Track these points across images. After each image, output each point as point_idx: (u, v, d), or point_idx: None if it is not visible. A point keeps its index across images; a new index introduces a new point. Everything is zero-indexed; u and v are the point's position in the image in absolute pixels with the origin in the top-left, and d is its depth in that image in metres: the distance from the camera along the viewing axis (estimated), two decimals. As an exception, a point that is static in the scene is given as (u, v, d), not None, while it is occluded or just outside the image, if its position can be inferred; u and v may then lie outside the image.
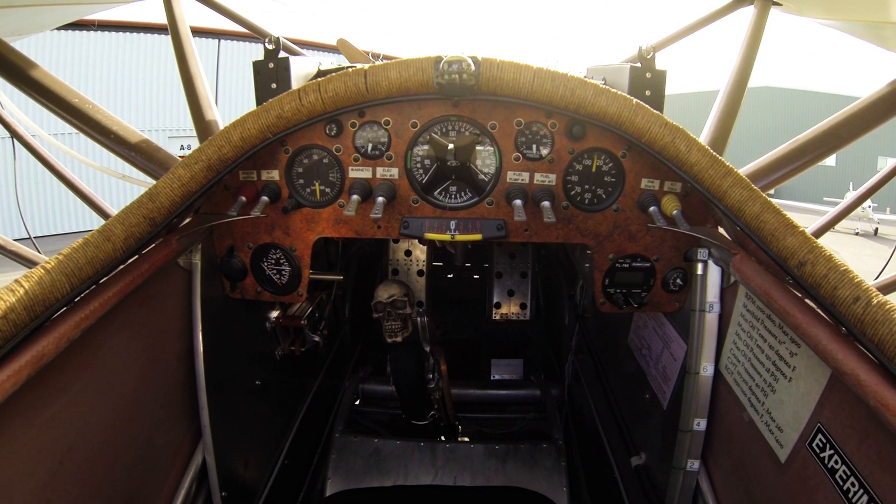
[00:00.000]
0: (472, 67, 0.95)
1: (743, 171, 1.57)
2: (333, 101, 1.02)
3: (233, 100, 11.62)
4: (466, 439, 2.05)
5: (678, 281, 1.23)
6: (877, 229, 17.00)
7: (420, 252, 2.27)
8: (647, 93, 1.20)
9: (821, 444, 0.82)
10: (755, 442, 1.00)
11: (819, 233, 2.34)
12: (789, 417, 0.92)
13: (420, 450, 1.86)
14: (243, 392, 1.41)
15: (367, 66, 1.03)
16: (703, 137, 1.66)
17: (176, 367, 1.16)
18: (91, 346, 0.89)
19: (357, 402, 2.25)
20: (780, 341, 0.94)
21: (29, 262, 1.89)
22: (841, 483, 0.77)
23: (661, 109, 1.20)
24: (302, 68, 1.34)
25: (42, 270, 0.77)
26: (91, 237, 0.86)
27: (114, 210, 1.87)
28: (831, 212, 2.48)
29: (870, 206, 16.22)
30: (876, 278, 2.22)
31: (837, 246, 13.72)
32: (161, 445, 1.14)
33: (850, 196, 2.48)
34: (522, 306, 2.34)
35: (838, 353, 0.74)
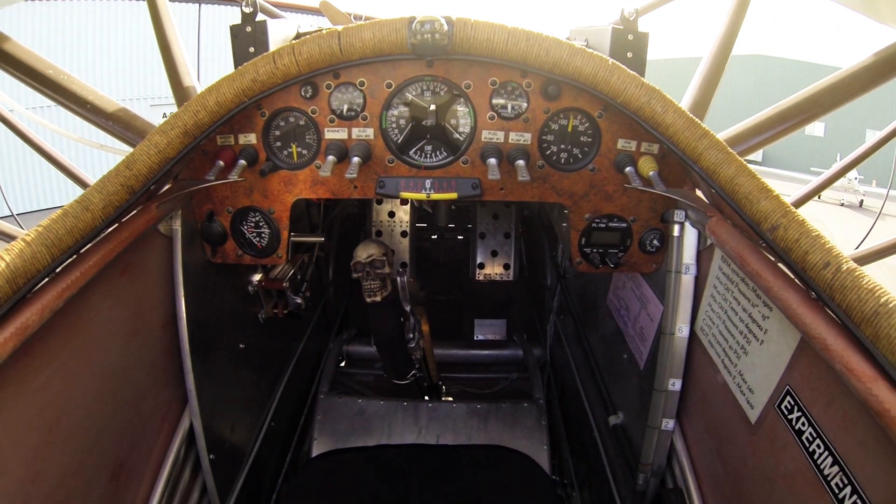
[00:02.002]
0: (445, 27, 0.95)
1: (723, 134, 1.57)
2: (308, 63, 1.01)
3: (215, 65, 11.30)
4: (450, 399, 2.10)
5: (655, 242, 1.25)
6: (862, 201, 17.23)
7: (403, 213, 2.27)
8: (629, 55, 1.19)
9: (789, 406, 0.85)
10: (727, 402, 1.04)
11: (803, 200, 2.35)
12: (760, 379, 0.95)
13: (403, 409, 1.90)
14: (228, 356, 1.42)
15: (340, 27, 1.01)
16: (685, 102, 1.66)
17: (160, 333, 1.17)
18: (75, 316, 0.89)
19: (342, 364, 2.29)
20: (752, 304, 0.97)
21: (10, 239, 1.85)
22: (807, 444, 0.80)
23: (642, 71, 1.20)
24: (280, 31, 1.31)
25: (22, 243, 0.76)
26: (69, 207, 0.85)
27: (93, 181, 1.84)
28: (815, 180, 2.48)
29: (856, 178, 16.37)
30: (857, 247, 2.32)
31: (822, 216, 13.88)
32: (148, 411, 1.15)
33: (835, 166, 2.47)
34: (506, 267, 2.36)
35: (807, 318, 0.76)
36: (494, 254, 2.33)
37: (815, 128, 25.76)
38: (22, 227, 1.99)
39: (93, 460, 0.98)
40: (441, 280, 2.54)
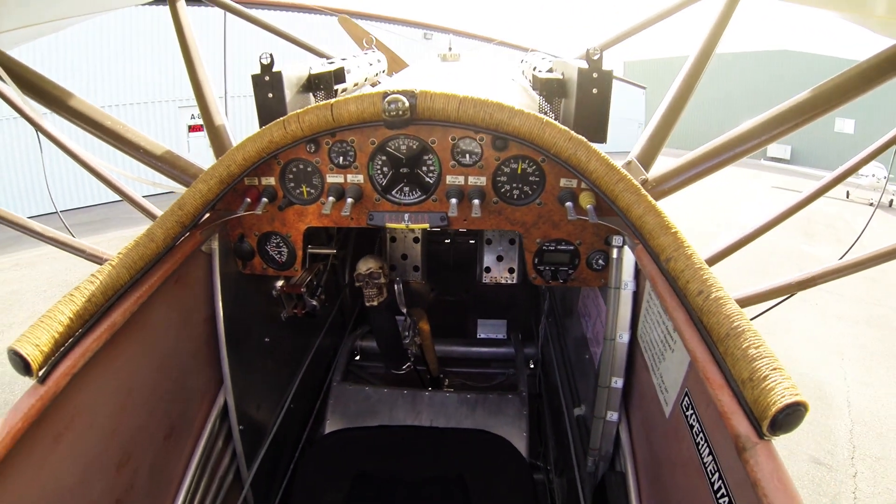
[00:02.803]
0: (407, 104, 1.19)
1: (736, 130, 1.61)
2: (310, 128, 1.29)
3: (241, 69, 11.71)
4: (448, 390, 2.33)
5: (600, 261, 1.46)
6: (892, 200, 16.79)
7: None
8: (594, 90, 1.36)
9: (686, 405, 1.03)
10: (654, 399, 1.23)
11: (813, 197, 2.24)
12: (671, 381, 1.13)
13: (404, 397, 2.17)
14: (255, 348, 1.72)
15: (332, 101, 1.27)
16: (663, 105, 1.76)
17: (202, 328, 1.47)
18: (143, 316, 1.20)
19: (357, 358, 2.55)
20: (667, 318, 1.18)
21: (53, 241, 2.12)
22: (696, 437, 0.97)
23: (607, 104, 1.38)
24: (294, 75, 1.58)
25: (109, 266, 1.08)
26: (140, 239, 1.16)
27: (138, 195, 2.15)
28: (823, 179, 2.33)
29: (885, 178, 15.95)
30: (841, 257, 2.16)
31: (850, 216, 13.63)
32: (192, 389, 1.46)
33: (846, 164, 2.33)
34: (510, 271, 2.46)
35: (687, 334, 0.95)
36: (500, 258, 2.45)
37: (845, 125, 25.05)
38: (65, 223, 2.27)
39: (153, 422, 1.28)
40: (450, 282, 2.71)
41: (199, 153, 11.44)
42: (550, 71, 1.67)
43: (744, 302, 1.68)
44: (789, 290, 1.68)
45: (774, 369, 0.73)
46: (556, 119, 1.59)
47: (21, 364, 0.88)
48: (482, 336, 2.75)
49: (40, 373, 0.91)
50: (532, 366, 2.68)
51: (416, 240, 2.50)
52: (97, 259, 1.95)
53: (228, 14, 2.63)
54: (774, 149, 25.70)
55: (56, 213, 2.34)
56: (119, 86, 10.97)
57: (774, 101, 1.59)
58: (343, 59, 1.99)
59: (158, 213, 2.00)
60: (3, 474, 0.83)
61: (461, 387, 2.42)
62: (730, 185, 15.54)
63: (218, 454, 1.56)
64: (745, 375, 0.75)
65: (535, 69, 1.85)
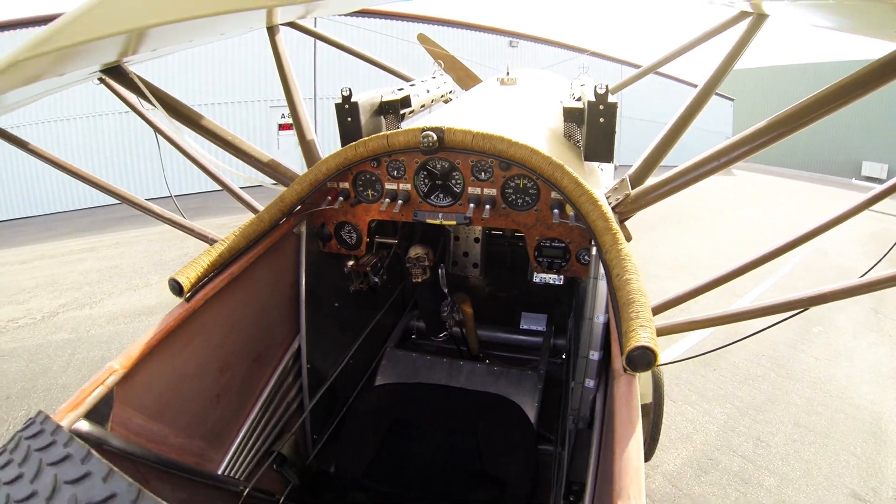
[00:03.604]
0: (436, 138, 1.61)
1: (741, 134, 1.66)
2: (373, 151, 1.75)
3: (328, 89, 12.65)
4: (480, 363, 2.65)
5: (586, 257, 1.77)
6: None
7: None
8: (601, 119, 1.68)
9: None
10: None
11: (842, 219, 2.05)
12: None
13: (442, 364, 2.57)
14: (327, 310, 2.18)
15: (388, 132, 1.70)
16: (665, 127, 1.89)
17: (289, 289, 1.97)
18: (251, 273, 1.69)
19: (413, 337, 2.95)
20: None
21: (168, 220, 2.54)
22: None
23: (612, 131, 1.69)
24: (368, 102, 2.04)
25: (233, 235, 1.59)
26: (253, 220, 1.67)
27: (236, 187, 2.67)
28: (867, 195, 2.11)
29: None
30: (863, 275, 1.93)
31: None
32: (277, 331, 1.95)
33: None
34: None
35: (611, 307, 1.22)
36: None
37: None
38: (178, 206, 2.67)
39: (246, 347, 1.77)
40: (504, 279, 3.02)
41: (288, 150, 12.55)
42: (578, 100, 1.98)
43: (755, 313, 1.82)
44: (801, 304, 1.77)
45: (643, 326, 1.03)
46: (579, 142, 1.90)
47: (177, 288, 1.40)
48: (524, 327, 3.05)
49: (187, 295, 1.43)
50: (564, 357, 2.93)
51: (476, 240, 2.86)
52: (203, 237, 2.44)
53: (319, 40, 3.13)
54: (869, 167, 23.25)
55: (170, 197, 2.85)
56: (217, 87, 12.09)
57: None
58: (412, 86, 2.46)
59: (252, 201, 2.52)
60: (156, 354, 1.34)
61: (492, 362, 2.75)
62: (815, 205, 14.50)
63: (288, 384, 2.06)
64: (625, 329, 1.06)
65: (571, 95, 2.15)
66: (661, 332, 1.96)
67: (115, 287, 6.98)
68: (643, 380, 3.40)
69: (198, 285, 1.45)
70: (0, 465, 0.94)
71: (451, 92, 2.96)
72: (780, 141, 1.52)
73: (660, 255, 8.36)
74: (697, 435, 3.78)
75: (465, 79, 3.62)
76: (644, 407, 3.29)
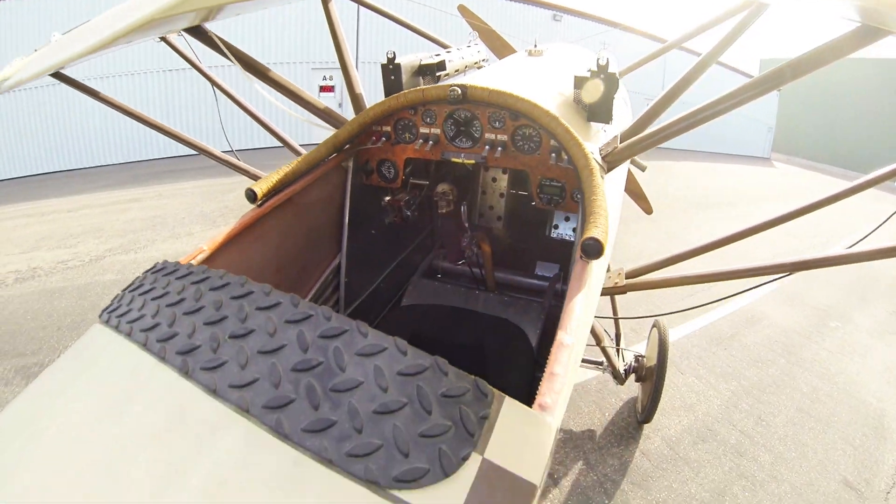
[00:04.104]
0: (460, 92, 1.91)
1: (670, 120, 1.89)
2: (412, 101, 2.04)
3: (372, 52, 13.02)
4: (493, 294, 2.94)
5: (578, 195, 2.02)
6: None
7: (502, 181, 3.00)
8: (603, 87, 1.97)
9: None
10: None
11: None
12: None
13: (461, 292, 2.88)
14: (364, 235, 2.49)
15: (424, 87, 2.00)
16: (661, 94, 2.10)
17: (336, 214, 2.29)
18: (306, 194, 1.99)
19: (439, 276, 3.22)
20: None
21: (236, 168, 2.88)
22: None
23: (611, 98, 1.98)
24: (409, 65, 2.34)
25: (295, 162, 1.88)
26: (312, 151, 1.97)
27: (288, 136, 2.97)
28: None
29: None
30: (849, 247, 2.01)
31: None
32: (322, 246, 2.26)
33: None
34: (573, 230, 2.87)
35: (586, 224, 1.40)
36: (567, 218, 2.88)
37: None
38: (238, 160, 2.93)
39: (296, 255, 2.06)
40: (525, 233, 3.20)
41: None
42: (589, 71, 2.17)
43: (743, 273, 2.03)
44: (785, 269, 1.99)
45: (596, 227, 1.32)
46: (584, 106, 2.14)
47: (252, 195, 1.71)
48: (538, 273, 3.31)
49: (259, 202, 1.74)
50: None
51: (501, 195, 3.08)
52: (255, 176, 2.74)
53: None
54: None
55: (231, 151, 3.11)
56: (263, 49, 12.58)
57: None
58: (447, 52, 2.73)
59: (303, 151, 2.76)
60: (233, 244, 1.64)
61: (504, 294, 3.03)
62: (851, 206, 14.07)
63: (327, 295, 2.38)
64: (585, 229, 1.35)
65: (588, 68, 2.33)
66: (658, 285, 2.30)
67: (157, 235, 7.40)
68: (650, 344, 3.59)
69: (267, 195, 1.77)
70: (175, 300, 1.05)
71: (484, 60, 3.15)
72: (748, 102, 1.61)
73: (692, 235, 8.38)
74: (700, 406, 3.94)
75: (501, 49, 3.76)
76: (647, 369, 3.48)
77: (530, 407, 0.86)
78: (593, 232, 1.28)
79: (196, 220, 8.01)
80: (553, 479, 3.17)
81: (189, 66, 2.77)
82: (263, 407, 0.80)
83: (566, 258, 3.33)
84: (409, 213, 2.54)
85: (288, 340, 0.88)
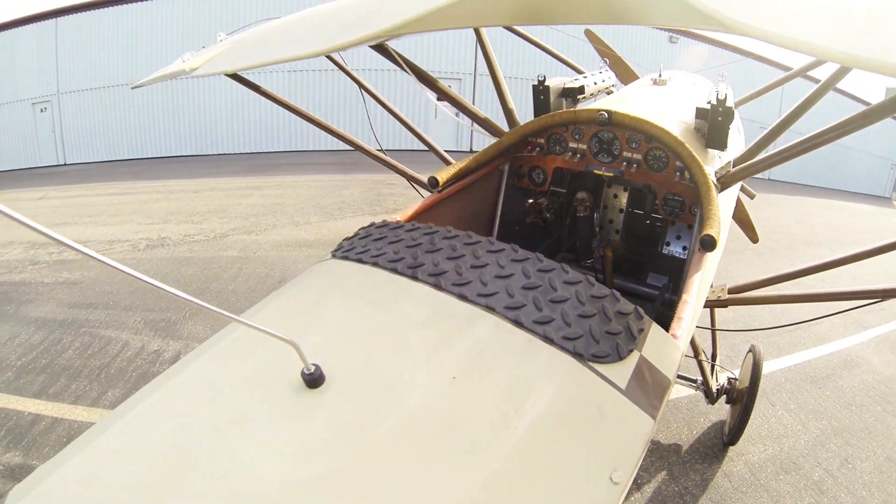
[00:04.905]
0: (607, 116, 2.23)
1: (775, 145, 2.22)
2: (565, 120, 2.39)
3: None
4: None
5: (695, 209, 2.25)
6: None
7: (622, 198, 3.11)
8: (719, 119, 2.22)
9: None
10: None
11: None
12: None
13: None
14: (509, 227, 2.78)
15: (577, 108, 2.36)
16: (772, 125, 2.38)
17: (490, 208, 2.66)
18: (468, 190, 2.37)
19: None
20: None
21: (389, 165, 2.92)
22: None
23: (727, 128, 2.21)
24: (555, 87, 2.69)
25: (468, 159, 2.30)
26: (480, 152, 2.37)
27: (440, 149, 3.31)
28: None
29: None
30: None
31: None
32: (478, 232, 2.53)
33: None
34: (684, 248, 3.07)
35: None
36: (678, 237, 3.06)
37: None
38: (385, 153, 2.95)
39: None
40: (639, 248, 3.35)
41: (443, 120, 13.61)
42: (708, 103, 2.44)
43: (849, 295, 2.17)
44: (892, 294, 1.97)
45: (711, 226, 1.62)
46: (703, 133, 2.40)
47: (434, 181, 2.12)
48: (650, 282, 3.46)
49: (439, 188, 2.15)
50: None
51: (620, 210, 3.24)
52: (420, 182, 2.88)
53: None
54: None
55: (380, 150, 3.17)
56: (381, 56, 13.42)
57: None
58: (585, 78, 3.10)
59: (449, 158, 3.13)
60: (420, 219, 2.00)
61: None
62: None
63: None
64: (702, 228, 1.65)
65: (707, 101, 2.58)
66: (758, 301, 2.58)
67: (277, 220, 8.02)
68: (744, 368, 3.70)
69: (445, 183, 2.18)
70: (412, 243, 1.30)
71: (613, 86, 3.49)
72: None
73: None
74: (787, 439, 3.94)
75: (625, 74, 4.08)
76: (739, 392, 3.60)
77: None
78: (709, 230, 1.56)
79: (314, 210, 8.52)
80: (636, 483, 3.33)
81: (336, 67, 2.88)
82: (505, 307, 1.09)
83: (676, 272, 3.50)
84: (547, 216, 2.88)
85: (515, 271, 1.18)
